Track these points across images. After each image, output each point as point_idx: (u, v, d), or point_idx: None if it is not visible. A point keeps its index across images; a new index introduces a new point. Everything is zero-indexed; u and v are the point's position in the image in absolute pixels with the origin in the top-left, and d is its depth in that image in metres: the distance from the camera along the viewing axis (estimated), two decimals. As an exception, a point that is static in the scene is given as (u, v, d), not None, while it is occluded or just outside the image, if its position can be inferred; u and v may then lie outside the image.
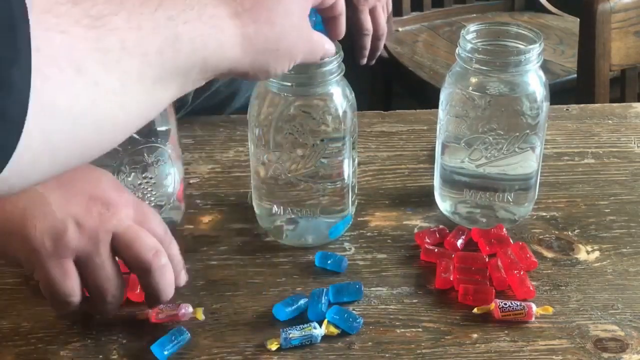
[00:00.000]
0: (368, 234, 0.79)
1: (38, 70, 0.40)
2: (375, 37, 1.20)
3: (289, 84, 0.69)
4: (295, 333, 0.64)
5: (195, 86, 0.53)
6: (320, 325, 0.65)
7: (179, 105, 0.96)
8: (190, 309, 0.68)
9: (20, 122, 0.40)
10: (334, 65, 0.69)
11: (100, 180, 0.62)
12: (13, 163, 0.41)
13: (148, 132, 0.70)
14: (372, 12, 1.17)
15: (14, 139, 0.41)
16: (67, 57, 0.43)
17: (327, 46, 0.64)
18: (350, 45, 1.17)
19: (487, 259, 0.73)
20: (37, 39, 0.41)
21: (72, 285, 0.59)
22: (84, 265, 0.60)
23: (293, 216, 0.75)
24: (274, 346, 0.64)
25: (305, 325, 0.65)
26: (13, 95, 0.40)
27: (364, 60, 1.21)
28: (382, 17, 1.20)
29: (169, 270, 0.62)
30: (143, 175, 0.72)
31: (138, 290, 0.68)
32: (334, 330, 0.66)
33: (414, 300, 0.70)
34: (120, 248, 0.60)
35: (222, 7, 0.54)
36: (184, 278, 0.66)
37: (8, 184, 0.43)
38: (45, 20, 0.42)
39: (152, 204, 0.74)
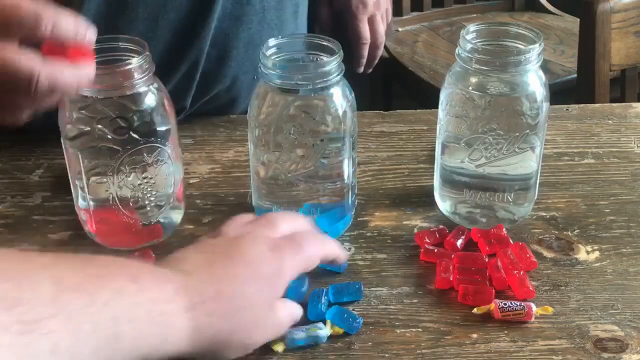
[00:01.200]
0: (368, 234, 0.79)
1: None
2: (374, 46, 1.19)
3: (289, 83, 0.69)
4: (300, 334, 0.64)
5: None
6: (325, 325, 0.65)
7: (178, 109, 0.96)
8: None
9: None
10: (334, 65, 0.69)
11: None
12: None
13: (148, 132, 0.70)
14: (371, 21, 1.17)
15: None
16: None
17: (295, 317, 0.63)
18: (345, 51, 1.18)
19: (487, 259, 0.73)
20: None
21: None
22: None
23: (293, 216, 0.75)
24: (279, 348, 0.64)
25: (311, 326, 0.65)
26: None
27: (361, 69, 1.21)
28: (381, 26, 1.20)
29: (58, 79, 0.59)
30: (143, 176, 0.72)
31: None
32: (339, 330, 0.66)
33: (414, 300, 0.70)
34: None
35: (177, 300, 0.53)
36: None
37: None
38: None
39: (152, 204, 0.74)
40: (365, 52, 1.18)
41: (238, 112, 1.01)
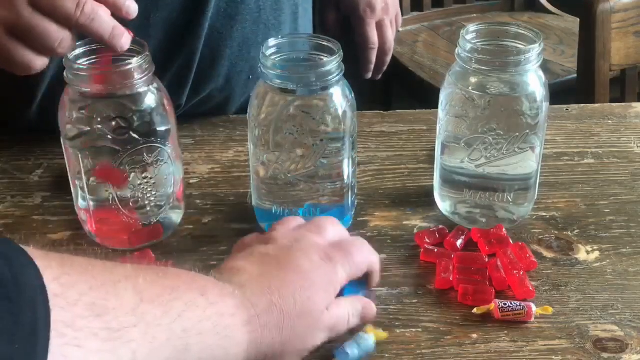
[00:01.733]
0: (368, 234, 0.79)
1: None
2: (382, 52, 1.18)
3: (289, 83, 0.69)
4: (354, 351, 0.62)
5: None
6: (368, 332, 0.64)
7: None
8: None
9: None
10: (334, 65, 0.69)
11: None
12: None
13: (148, 132, 0.70)
14: (379, 26, 1.16)
15: None
16: None
17: (352, 320, 0.63)
18: (351, 42, 1.17)
19: (486, 259, 0.73)
20: (54, 354, 0.42)
21: None
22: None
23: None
24: None
25: (357, 339, 0.63)
26: None
27: (369, 75, 1.20)
28: (390, 32, 1.18)
29: (100, 12, 0.66)
30: (143, 176, 0.72)
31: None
32: (382, 335, 0.65)
33: (414, 300, 0.70)
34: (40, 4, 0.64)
35: (239, 314, 0.55)
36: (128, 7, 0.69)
37: None
38: (65, 334, 0.43)
39: (152, 204, 0.74)
40: (373, 58, 1.17)
41: (232, 111, 1.00)
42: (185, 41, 0.89)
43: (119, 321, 0.47)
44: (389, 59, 1.20)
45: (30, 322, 0.42)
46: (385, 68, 1.21)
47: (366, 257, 0.66)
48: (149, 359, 0.48)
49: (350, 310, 0.62)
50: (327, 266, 0.61)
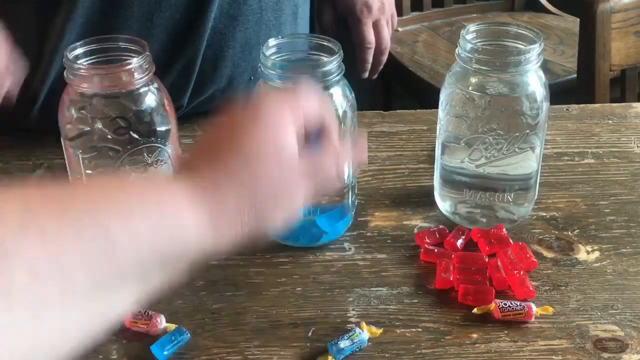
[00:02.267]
0: (368, 234, 0.79)
1: None
2: (378, 51, 1.18)
3: (289, 83, 0.69)
4: (346, 342, 0.63)
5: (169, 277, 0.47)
6: (361, 328, 0.65)
7: (174, 108, 0.96)
8: (164, 324, 0.67)
9: None
10: (334, 65, 0.69)
11: None
12: None
13: (148, 132, 0.70)
14: (376, 26, 1.16)
15: None
16: None
17: (339, 166, 0.56)
18: (351, 42, 1.17)
19: (487, 259, 0.73)
20: None
21: None
22: None
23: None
24: None
25: (351, 333, 0.64)
26: None
27: (366, 74, 1.20)
28: (386, 31, 1.18)
29: None
30: (143, 176, 0.72)
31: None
32: (376, 332, 0.65)
33: (414, 300, 0.70)
34: None
35: (182, 194, 0.47)
36: None
37: None
38: None
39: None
40: (370, 57, 1.17)
41: None
42: (187, 42, 0.89)
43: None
44: (385, 58, 1.21)
45: None
46: (381, 67, 1.22)
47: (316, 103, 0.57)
48: (61, 263, 0.39)
49: (331, 153, 0.56)
50: (275, 104, 0.54)
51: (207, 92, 0.95)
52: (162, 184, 0.50)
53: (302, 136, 0.54)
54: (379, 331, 0.66)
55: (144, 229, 0.44)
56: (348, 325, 0.67)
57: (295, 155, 0.52)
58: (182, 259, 0.47)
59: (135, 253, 0.43)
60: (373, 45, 1.17)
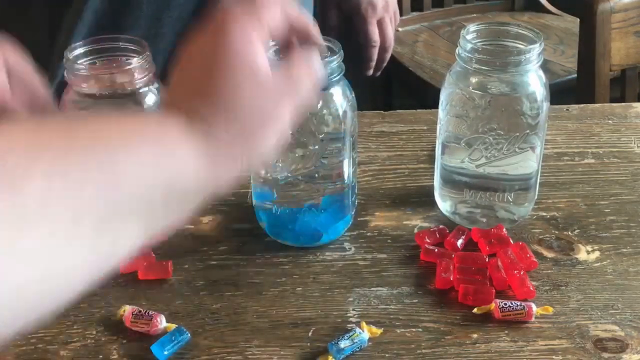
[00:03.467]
0: (368, 234, 0.79)
1: None
2: (383, 49, 1.20)
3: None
4: (346, 342, 0.63)
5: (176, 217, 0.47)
6: (362, 328, 0.65)
7: None
8: (164, 324, 0.66)
9: None
10: (334, 65, 0.69)
11: None
12: None
13: (148, 132, 0.70)
14: (380, 24, 1.17)
15: None
16: None
17: (302, 78, 0.53)
18: (352, 42, 1.18)
19: (487, 259, 0.73)
20: None
21: None
22: None
23: (293, 216, 0.75)
24: None
25: (351, 333, 0.64)
26: None
27: (371, 72, 1.22)
28: (390, 29, 1.20)
29: None
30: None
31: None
32: (376, 332, 0.65)
33: (414, 300, 0.70)
34: None
35: (173, 126, 0.47)
36: None
37: None
38: None
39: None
40: (375, 55, 1.19)
41: None
42: None
43: (8, 167, 0.38)
44: (389, 55, 1.22)
45: None
46: (384, 64, 1.23)
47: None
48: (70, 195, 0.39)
49: (301, 63, 0.54)
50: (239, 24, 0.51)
51: None
52: (155, 121, 0.49)
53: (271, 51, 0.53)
54: (379, 331, 0.66)
55: (147, 162, 0.44)
56: (348, 325, 0.67)
57: (268, 74, 0.50)
58: (184, 197, 0.47)
59: (140, 187, 0.43)
60: (378, 43, 1.18)
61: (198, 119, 0.48)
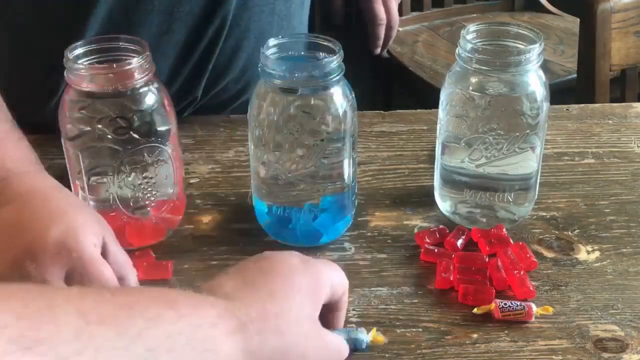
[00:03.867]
0: (368, 234, 0.79)
1: None
2: (388, 27, 1.24)
3: (290, 83, 0.69)
4: (342, 335, 0.62)
5: None
6: (366, 331, 0.64)
7: (189, 100, 0.96)
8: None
9: None
10: (334, 65, 0.69)
11: None
12: None
13: (148, 132, 0.70)
14: (385, 2, 1.21)
15: None
16: None
17: (344, 351, 0.59)
18: (352, 42, 1.19)
19: (487, 259, 0.73)
20: None
21: None
22: None
23: (293, 216, 0.75)
24: None
25: (352, 329, 0.63)
26: None
27: (378, 50, 1.25)
28: (395, 7, 1.25)
29: None
30: (143, 175, 0.72)
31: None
32: (380, 339, 0.64)
33: (414, 300, 0.70)
34: None
35: (223, 323, 0.50)
36: None
37: None
38: None
39: (153, 204, 0.74)
40: (382, 33, 1.22)
41: (245, 103, 1.02)
42: (206, 35, 0.91)
43: (57, 352, 0.40)
44: (394, 33, 1.26)
45: None
46: (390, 42, 1.26)
47: (342, 279, 0.61)
48: None
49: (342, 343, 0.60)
50: (309, 269, 0.58)
51: (221, 83, 0.97)
52: (206, 306, 0.51)
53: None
54: (382, 339, 0.65)
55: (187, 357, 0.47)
56: (348, 325, 0.67)
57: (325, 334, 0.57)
58: None
59: None
60: (385, 21, 1.21)
61: (252, 327, 0.52)
